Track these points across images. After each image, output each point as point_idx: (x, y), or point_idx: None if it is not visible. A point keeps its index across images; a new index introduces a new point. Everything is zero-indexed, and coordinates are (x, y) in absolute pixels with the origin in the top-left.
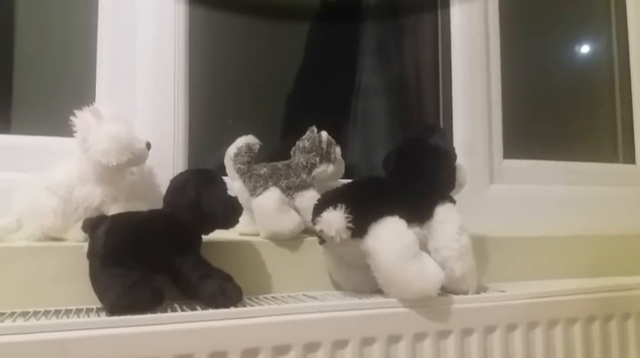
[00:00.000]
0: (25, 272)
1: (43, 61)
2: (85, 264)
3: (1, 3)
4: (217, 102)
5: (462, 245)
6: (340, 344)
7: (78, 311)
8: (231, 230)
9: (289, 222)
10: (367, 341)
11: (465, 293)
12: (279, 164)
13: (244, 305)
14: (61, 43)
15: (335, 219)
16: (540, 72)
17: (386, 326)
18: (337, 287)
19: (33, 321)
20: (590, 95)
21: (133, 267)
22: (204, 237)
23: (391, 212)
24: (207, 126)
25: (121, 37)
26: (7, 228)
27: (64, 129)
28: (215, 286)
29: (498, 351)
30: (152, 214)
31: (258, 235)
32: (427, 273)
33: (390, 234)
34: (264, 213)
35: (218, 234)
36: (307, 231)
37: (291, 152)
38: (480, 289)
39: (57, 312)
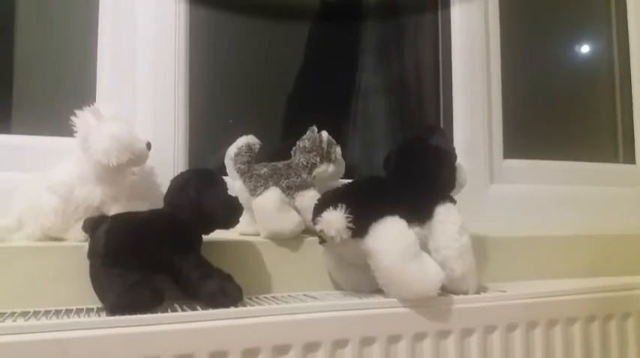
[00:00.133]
0: (26, 272)
1: (43, 61)
2: (85, 263)
3: (2, 3)
4: (217, 102)
5: (463, 245)
6: (340, 344)
7: (78, 311)
8: (231, 230)
9: (289, 221)
10: (367, 341)
11: (465, 293)
12: (280, 164)
13: (244, 305)
14: (61, 43)
15: (335, 219)
16: (540, 72)
17: (386, 326)
18: (337, 287)
19: (33, 321)
20: (591, 95)
21: (134, 266)
22: (205, 237)
23: (391, 212)
24: (208, 126)
25: (121, 37)
26: (7, 228)
27: (65, 129)
28: (215, 286)
29: (498, 351)
30: (153, 214)
31: (259, 235)
32: (427, 273)
33: (390, 234)
34: (264, 213)
35: (218, 234)
36: (307, 231)
37: (292, 152)
38: (480, 289)
39: (57, 312)
